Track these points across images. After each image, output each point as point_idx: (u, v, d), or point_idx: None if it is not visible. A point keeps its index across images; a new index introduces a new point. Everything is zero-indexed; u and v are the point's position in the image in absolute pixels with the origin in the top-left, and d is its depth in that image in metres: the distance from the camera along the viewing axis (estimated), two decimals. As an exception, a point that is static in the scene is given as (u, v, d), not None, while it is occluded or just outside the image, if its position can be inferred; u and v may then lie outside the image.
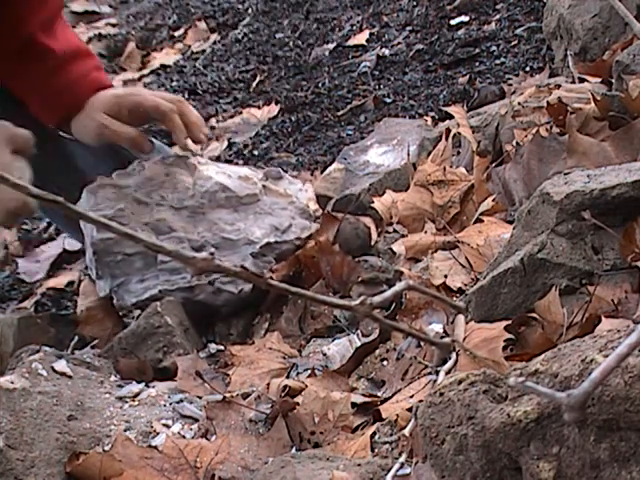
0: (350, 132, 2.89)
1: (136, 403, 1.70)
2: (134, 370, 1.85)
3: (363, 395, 1.65)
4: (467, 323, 1.62)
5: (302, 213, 2.13)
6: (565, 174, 1.65)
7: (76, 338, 2.09)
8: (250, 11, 4.05)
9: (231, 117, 3.30)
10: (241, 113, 3.29)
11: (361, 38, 3.44)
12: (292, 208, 2.13)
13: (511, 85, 2.72)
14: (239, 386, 1.75)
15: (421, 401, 1.32)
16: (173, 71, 3.84)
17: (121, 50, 4.20)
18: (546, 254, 1.59)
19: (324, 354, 1.78)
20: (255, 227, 2.08)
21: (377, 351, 1.76)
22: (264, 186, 2.13)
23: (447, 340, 0.82)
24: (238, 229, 2.07)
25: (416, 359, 1.65)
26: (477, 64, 2.98)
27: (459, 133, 2.30)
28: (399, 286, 0.67)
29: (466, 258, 1.86)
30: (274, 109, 3.20)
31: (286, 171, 2.39)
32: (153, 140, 2.15)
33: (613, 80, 2.16)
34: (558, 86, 2.19)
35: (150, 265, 2.05)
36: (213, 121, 3.31)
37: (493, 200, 2.01)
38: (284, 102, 3.21)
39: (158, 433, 1.62)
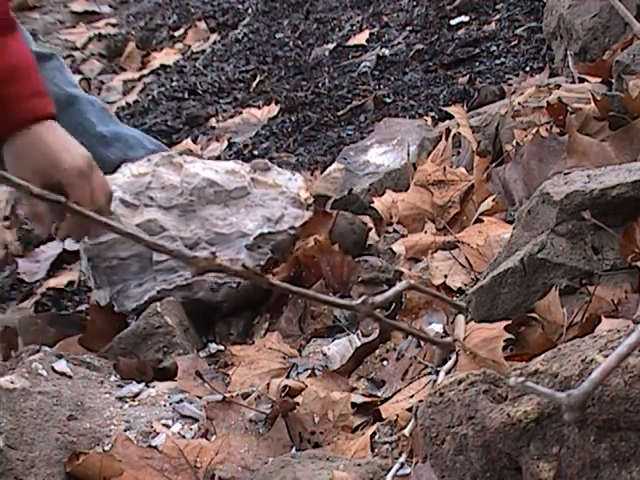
0: (350, 132, 2.89)
1: (136, 403, 1.70)
2: (134, 370, 1.85)
3: (363, 395, 1.65)
4: (467, 323, 1.62)
5: (294, 202, 2.13)
6: (565, 174, 1.65)
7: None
8: (250, 11, 4.05)
9: (231, 117, 3.30)
10: (241, 113, 3.29)
11: (361, 38, 3.44)
12: (283, 198, 2.12)
13: (511, 85, 2.72)
14: (239, 386, 1.75)
15: (421, 401, 1.32)
16: (173, 71, 3.84)
17: (121, 50, 4.19)
18: (546, 254, 1.59)
19: (324, 354, 1.78)
20: (247, 220, 2.08)
21: (377, 351, 1.76)
22: (252, 178, 2.13)
23: (448, 339, 0.81)
24: (230, 223, 2.06)
25: (416, 359, 1.65)
26: (477, 64, 2.98)
27: (459, 133, 2.30)
28: (400, 285, 0.67)
29: (466, 258, 1.86)
30: (274, 109, 3.20)
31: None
32: None
33: (613, 80, 2.16)
34: (558, 86, 2.19)
35: (146, 267, 2.05)
36: (213, 121, 3.31)
37: (493, 200, 2.01)
38: (284, 102, 3.21)
39: (158, 433, 1.62)
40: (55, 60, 2.34)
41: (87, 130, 2.28)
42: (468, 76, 2.89)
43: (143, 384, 1.77)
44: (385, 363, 1.72)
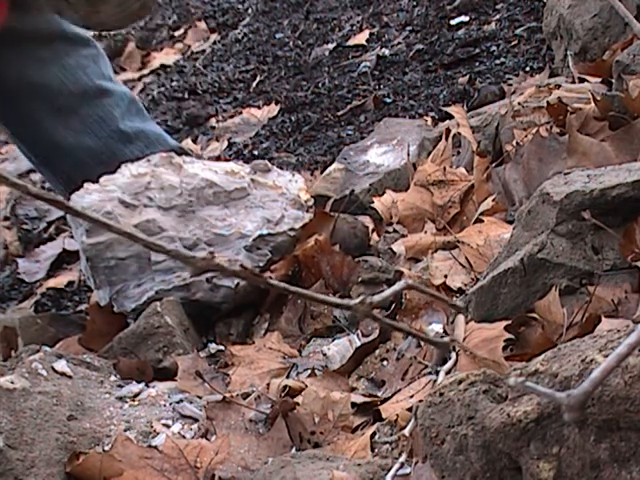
0: (350, 132, 2.89)
1: (136, 403, 1.70)
2: (134, 370, 1.85)
3: (363, 395, 1.65)
4: (467, 323, 1.62)
5: (294, 204, 2.13)
6: (565, 174, 1.64)
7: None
8: (250, 11, 4.05)
9: (231, 117, 3.30)
10: (241, 113, 3.29)
11: (361, 38, 3.44)
12: (283, 199, 2.12)
13: (511, 85, 2.72)
14: (239, 386, 1.75)
15: (421, 401, 1.32)
16: (173, 71, 3.84)
17: (121, 50, 4.19)
18: (546, 254, 1.58)
19: (324, 354, 1.78)
20: (247, 221, 2.07)
21: (377, 351, 1.76)
22: (252, 179, 2.13)
23: (446, 339, 0.81)
24: (229, 224, 2.06)
25: (416, 359, 1.65)
26: (477, 64, 2.98)
27: (459, 133, 2.29)
28: (398, 285, 0.67)
29: (466, 258, 1.86)
30: (274, 109, 3.20)
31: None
32: None
33: (613, 80, 2.16)
34: (558, 86, 2.19)
35: (145, 268, 2.05)
36: (213, 121, 3.31)
37: (493, 200, 2.01)
38: (284, 102, 3.21)
39: (158, 433, 1.62)
40: (92, 48, 2.30)
41: (109, 125, 2.28)
42: (468, 76, 2.89)
43: (143, 384, 1.77)
44: (385, 363, 1.72)
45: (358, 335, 1.81)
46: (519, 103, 2.15)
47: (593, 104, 1.96)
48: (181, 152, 2.33)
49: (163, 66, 3.92)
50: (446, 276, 1.83)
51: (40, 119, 2.22)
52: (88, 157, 2.24)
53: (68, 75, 2.24)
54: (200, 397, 1.72)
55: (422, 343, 1.67)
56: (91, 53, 2.30)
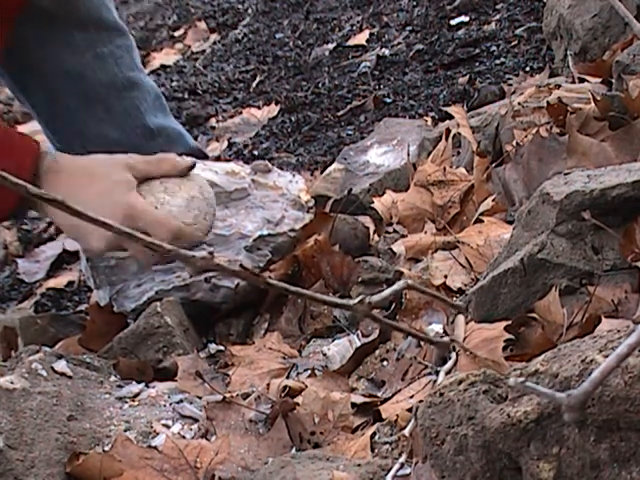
0: (350, 132, 2.89)
1: (136, 403, 1.70)
2: (134, 370, 1.85)
3: (363, 395, 1.65)
4: (467, 323, 1.62)
5: (294, 204, 2.12)
6: (565, 174, 1.64)
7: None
8: (250, 11, 4.05)
9: (231, 117, 3.30)
10: (241, 113, 3.29)
11: (361, 38, 3.44)
12: (283, 200, 2.12)
13: (511, 85, 2.72)
14: (239, 386, 1.75)
15: (421, 401, 1.32)
16: (173, 71, 3.84)
17: (121, 50, 4.19)
18: (546, 254, 1.58)
19: (324, 354, 1.78)
20: (247, 221, 2.07)
21: (377, 351, 1.76)
22: (253, 180, 2.12)
23: (445, 339, 0.81)
24: (230, 224, 2.06)
25: (416, 359, 1.65)
26: (477, 64, 2.98)
27: (459, 133, 2.29)
28: (398, 285, 0.67)
29: (466, 258, 1.86)
30: (274, 109, 3.20)
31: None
32: None
33: (613, 80, 2.16)
34: (558, 86, 2.19)
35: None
36: (213, 121, 3.31)
37: (493, 200, 2.01)
38: (284, 102, 3.21)
39: (158, 433, 1.62)
40: (126, 38, 2.31)
41: (133, 119, 2.27)
42: (468, 76, 2.89)
43: (143, 384, 1.77)
44: (385, 363, 1.72)
45: (358, 335, 1.81)
46: (519, 103, 2.15)
47: (593, 104, 1.96)
48: (199, 154, 2.33)
49: (163, 66, 3.92)
50: (446, 276, 1.83)
51: (66, 104, 2.21)
52: (107, 148, 2.24)
53: (100, 65, 2.24)
54: (200, 397, 1.72)
55: (422, 343, 1.67)
56: (125, 43, 2.30)
